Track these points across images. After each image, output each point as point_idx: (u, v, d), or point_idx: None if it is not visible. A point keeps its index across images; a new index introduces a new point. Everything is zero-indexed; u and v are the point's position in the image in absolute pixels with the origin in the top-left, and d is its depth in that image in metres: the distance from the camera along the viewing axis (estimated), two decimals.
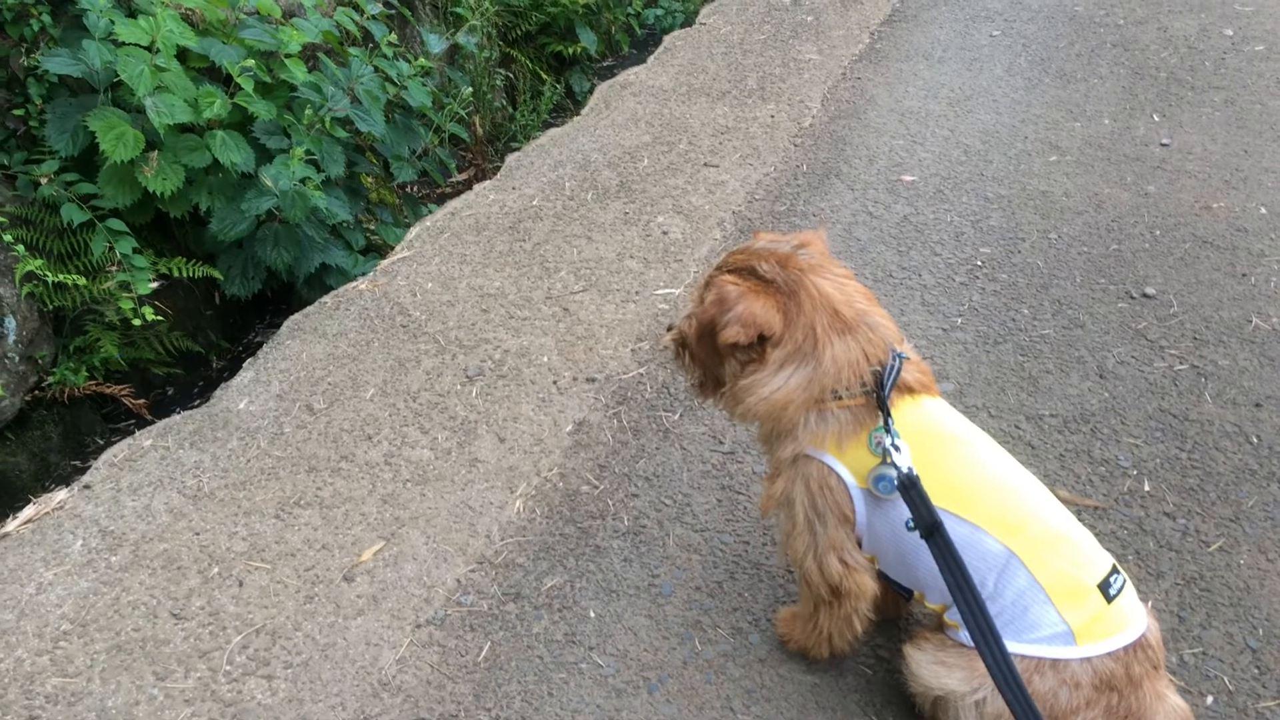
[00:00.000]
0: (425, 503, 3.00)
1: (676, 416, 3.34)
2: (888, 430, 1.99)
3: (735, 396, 2.12)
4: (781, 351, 2.02)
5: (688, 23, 7.13)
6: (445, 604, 2.68)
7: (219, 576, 2.75)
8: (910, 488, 1.96)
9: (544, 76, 7.12)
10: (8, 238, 3.76)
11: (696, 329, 2.15)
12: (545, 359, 3.58)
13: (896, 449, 1.98)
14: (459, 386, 3.46)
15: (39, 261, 3.82)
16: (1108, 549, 2.05)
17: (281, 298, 4.92)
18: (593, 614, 2.65)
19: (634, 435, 3.27)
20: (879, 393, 2.00)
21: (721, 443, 3.21)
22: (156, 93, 3.89)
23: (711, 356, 2.16)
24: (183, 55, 4.23)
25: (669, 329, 2.30)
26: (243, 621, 2.62)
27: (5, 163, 3.97)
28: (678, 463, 3.15)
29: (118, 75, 3.84)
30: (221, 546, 2.85)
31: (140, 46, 3.90)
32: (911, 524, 1.99)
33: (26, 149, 4.04)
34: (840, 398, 2.01)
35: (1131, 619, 1.95)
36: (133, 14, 4.07)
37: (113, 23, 3.88)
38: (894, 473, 1.98)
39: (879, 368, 2.00)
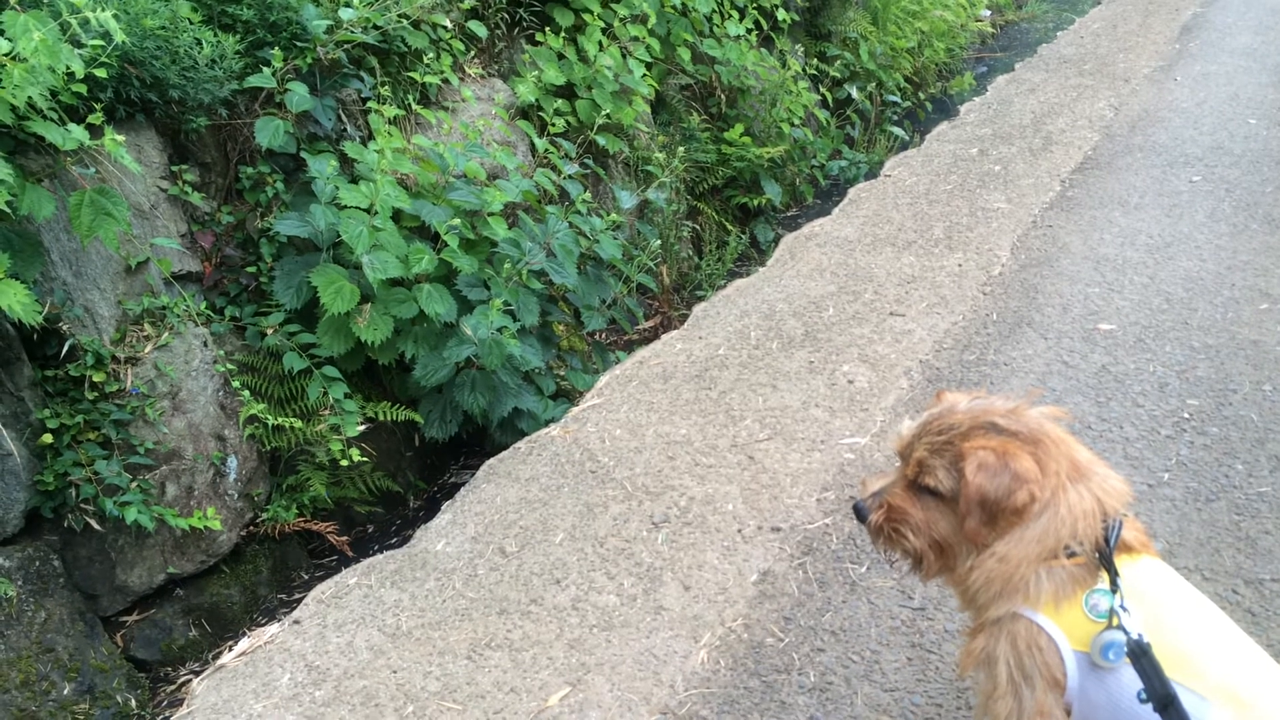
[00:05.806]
0: (610, 649, 3.02)
1: (864, 569, 3.27)
2: (1115, 591, 1.89)
3: (980, 564, 1.98)
4: (1036, 506, 1.92)
5: (872, 174, 7.23)
6: None
7: (413, 716, 2.82)
8: (1141, 656, 1.84)
9: (729, 227, 7.32)
10: (235, 383, 4.09)
11: (964, 506, 1.95)
12: (730, 507, 3.59)
13: (1126, 611, 1.87)
14: (645, 533, 3.50)
15: (261, 405, 4.13)
16: None
17: (475, 440, 5.13)
18: None
19: (820, 587, 3.21)
20: (1105, 550, 1.91)
21: (911, 598, 3.12)
22: (373, 250, 4.21)
23: (954, 531, 2.02)
24: (396, 215, 4.59)
25: (877, 507, 2.11)
26: None
27: (237, 314, 4.35)
28: (865, 617, 3.07)
29: (339, 235, 4.18)
30: (417, 685, 2.93)
31: (360, 209, 4.25)
32: (1144, 695, 1.86)
33: (256, 302, 4.42)
34: (1074, 554, 1.93)
35: None
36: (354, 180, 4.45)
37: (337, 188, 4.25)
38: (1123, 638, 1.87)
39: (1109, 521, 1.92)
